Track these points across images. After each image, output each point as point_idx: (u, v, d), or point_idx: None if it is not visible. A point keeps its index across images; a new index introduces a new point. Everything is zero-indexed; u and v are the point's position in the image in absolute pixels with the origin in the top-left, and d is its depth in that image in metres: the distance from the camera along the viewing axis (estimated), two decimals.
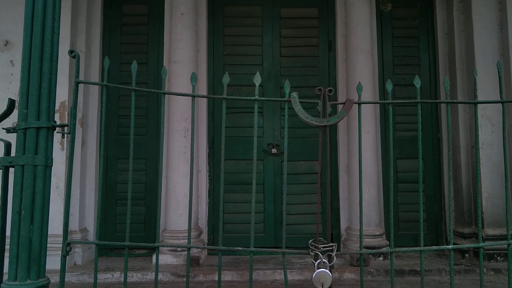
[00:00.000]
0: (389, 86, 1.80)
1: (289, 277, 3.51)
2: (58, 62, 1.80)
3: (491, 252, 3.77)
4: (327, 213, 1.69)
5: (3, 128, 1.85)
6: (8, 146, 1.86)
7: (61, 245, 1.71)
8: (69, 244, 1.71)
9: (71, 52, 1.81)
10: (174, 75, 4.07)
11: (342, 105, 1.74)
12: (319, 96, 1.71)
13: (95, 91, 4.32)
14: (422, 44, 4.62)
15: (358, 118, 1.78)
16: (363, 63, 4.22)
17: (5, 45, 3.87)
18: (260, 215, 4.34)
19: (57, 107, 3.79)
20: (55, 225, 3.53)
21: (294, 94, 1.72)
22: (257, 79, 1.78)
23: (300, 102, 1.71)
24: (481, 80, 3.57)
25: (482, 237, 3.08)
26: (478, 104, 1.88)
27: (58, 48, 1.80)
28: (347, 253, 1.85)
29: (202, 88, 4.35)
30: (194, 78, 1.81)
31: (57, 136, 3.76)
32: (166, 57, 4.35)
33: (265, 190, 4.41)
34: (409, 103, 1.81)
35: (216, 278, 3.46)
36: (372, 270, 3.60)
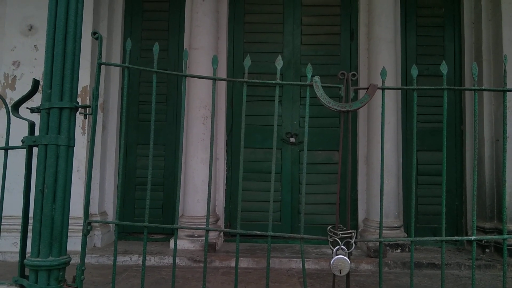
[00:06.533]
0: (414, 72, 1.75)
1: (305, 266, 3.51)
2: (81, 48, 1.81)
3: None
4: (346, 203, 1.67)
5: (28, 108, 1.88)
6: (32, 125, 1.89)
7: (81, 227, 1.74)
8: (89, 223, 1.73)
9: (94, 33, 1.82)
10: (194, 61, 4.07)
11: (366, 90, 1.70)
12: (342, 81, 1.68)
13: (115, 77, 4.36)
14: (448, 33, 4.50)
15: (382, 104, 1.74)
16: (385, 53, 4.14)
17: (29, 29, 3.92)
18: (277, 204, 4.34)
19: (79, 92, 3.81)
20: (76, 208, 3.61)
21: (317, 78, 1.69)
22: (279, 63, 1.76)
23: (322, 86, 1.69)
24: (507, 72, 3.46)
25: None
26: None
27: (81, 30, 1.81)
28: (366, 240, 1.82)
29: (222, 75, 4.34)
30: (215, 61, 1.79)
31: (78, 121, 3.81)
32: (186, 44, 4.35)
33: (283, 179, 4.39)
34: (435, 89, 1.76)
35: (232, 265, 3.48)
36: (389, 262, 3.56)
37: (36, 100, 2.31)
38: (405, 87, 1.81)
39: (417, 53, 4.48)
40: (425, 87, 1.81)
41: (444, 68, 1.73)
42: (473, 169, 1.76)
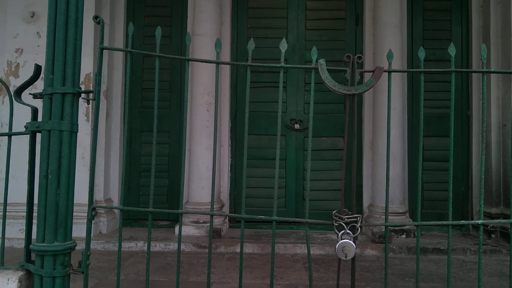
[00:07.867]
0: (421, 54, 1.72)
1: (311, 251, 3.52)
2: (83, 35, 1.78)
3: None
4: (351, 189, 1.65)
5: (30, 94, 1.86)
6: (35, 111, 1.88)
7: (86, 214, 1.74)
8: (94, 208, 1.73)
9: (95, 17, 1.79)
10: (197, 47, 4.03)
11: (372, 73, 1.67)
12: (348, 64, 1.65)
13: (119, 65, 4.34)
14: (455, 17, 4.42)
15: (388, 88, 1.70)
16: (391, 37, 4.08)
17: (32, 16, 3.89)
18: (281, 190, 4.34)
19: (82, 79, 3.82)
20: (81, 195, 3.59)
21: (322, 61, 1.65)
22: (283, 46, 1.72)
23: (327, 69, 1.65)
24: None
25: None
26: None
27: (82, 14, 1.78)
28: (371, 224, 1.81)
29: (226, 60, 4.30)
30: (218, 45, 1.76)
31: (82, 108, 3.82)
32: (189, 30, 4.30)
33: (287, 166, 4.38)
34: (443, 71, 1.72)
35: (237, 250, 3.50)
36: (394, 247, 3.56)
37: (39, 87, 2.31)
38: (412, 69, 1.78)
39: (423, 38, 4.42)
40: (432, 70, 1.78)
41: (452, 50, 1.69)
42: (480, 153, 1.73)
